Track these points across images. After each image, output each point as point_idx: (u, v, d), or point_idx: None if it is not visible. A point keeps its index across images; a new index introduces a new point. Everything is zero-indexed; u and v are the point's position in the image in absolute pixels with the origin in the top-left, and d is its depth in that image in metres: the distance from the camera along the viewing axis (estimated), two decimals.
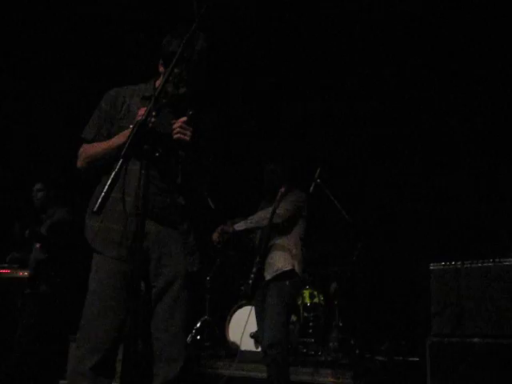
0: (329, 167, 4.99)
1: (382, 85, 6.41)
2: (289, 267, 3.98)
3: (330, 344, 5.90)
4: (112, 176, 1.66)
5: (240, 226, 4.04)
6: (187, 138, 2.37)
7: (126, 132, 2.40)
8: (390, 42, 6.15)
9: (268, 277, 3.97)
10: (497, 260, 3.89)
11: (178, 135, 2.36)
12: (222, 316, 6.18)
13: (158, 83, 2.58)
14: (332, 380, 4.82)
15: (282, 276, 3.96)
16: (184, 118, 2.38)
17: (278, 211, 4.01)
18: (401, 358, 5.58)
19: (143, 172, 1.63)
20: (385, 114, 6.49)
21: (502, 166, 5.66)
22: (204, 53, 2.50)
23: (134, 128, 1.65)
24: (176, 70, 2.37)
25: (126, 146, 1.64)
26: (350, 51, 6.36)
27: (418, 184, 6.27)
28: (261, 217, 4.05)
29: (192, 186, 2.61)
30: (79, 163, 2.59)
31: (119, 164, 1.63)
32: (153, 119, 1.97)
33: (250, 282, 4.00)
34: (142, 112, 2.19)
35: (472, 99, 5.92)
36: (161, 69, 2.57)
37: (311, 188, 4.66)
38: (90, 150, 2.56)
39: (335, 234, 6.16)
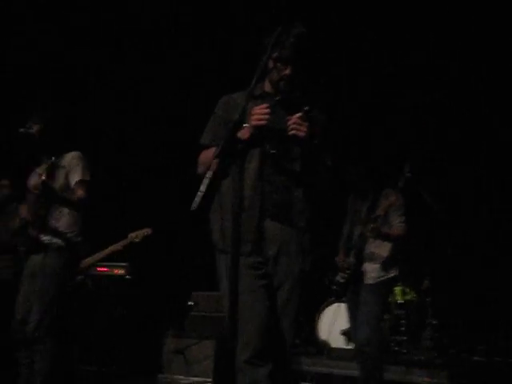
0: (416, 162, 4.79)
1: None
2: (393, 273, 3.97)
3: (423, 343, 5.73)
4: (208, 175, 1.69)
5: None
6: (303, 134, 2.35)
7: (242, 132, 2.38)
8: None
9: (370, 281, 3.91)
10: None
11: (294, 131, 2.35)
12: (312, 313, 6.15)
13: (266, 82, 2.58)
14: (427, 380, 4.68)
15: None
16: (299, 114, 2.35)
17: (395, 223, 3.96)
18: (501, 359, 5.32)
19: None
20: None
21: None
22: (302, 36, 2.44)
23: (230, 128, 1.67)
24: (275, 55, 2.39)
25: (221, 146, 1.67)
26: None
27: None
28: None
29: (311, 182, 2.57)
30: (199, 169, 2.59)
31: (216, 163, 1.65)
32: (267, 116, 2.07)
33: (343, 280, 3.96)
34: (256, 111, 2.29)
35: None
36: (270, 65, 2.49)
37: (401, 183, 4.49)
38: (207, 154, 2.56)
39: (427, 231, 5.94)
